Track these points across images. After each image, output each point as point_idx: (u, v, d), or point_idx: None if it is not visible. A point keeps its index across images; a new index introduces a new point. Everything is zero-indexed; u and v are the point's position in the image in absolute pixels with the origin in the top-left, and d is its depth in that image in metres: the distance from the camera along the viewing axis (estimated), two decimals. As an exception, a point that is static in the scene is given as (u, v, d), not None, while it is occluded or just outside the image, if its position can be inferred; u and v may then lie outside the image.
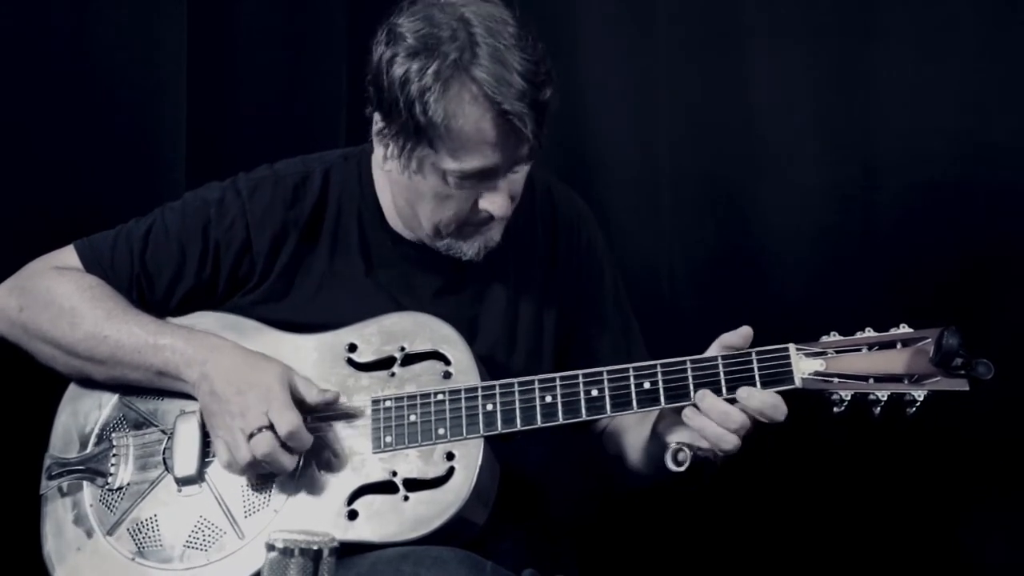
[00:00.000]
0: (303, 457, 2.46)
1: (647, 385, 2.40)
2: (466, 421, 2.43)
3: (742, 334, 2.40)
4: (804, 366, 2.35)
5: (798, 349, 2.37)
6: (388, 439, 2.46)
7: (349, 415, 2.49)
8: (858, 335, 2.38)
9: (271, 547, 1.98)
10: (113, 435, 2.57)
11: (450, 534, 2.38)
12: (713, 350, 2.42)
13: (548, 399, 2.43)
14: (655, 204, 3.58)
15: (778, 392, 2.34)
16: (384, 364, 2.52)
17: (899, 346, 2.35)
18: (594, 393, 2.41)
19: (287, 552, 1.97)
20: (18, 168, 3.14)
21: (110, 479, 2.54)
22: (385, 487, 2.42)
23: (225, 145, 3.51)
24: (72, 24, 3.24)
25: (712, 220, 3.56)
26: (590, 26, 3.60)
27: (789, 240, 3.49)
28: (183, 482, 2.50)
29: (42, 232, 2.80)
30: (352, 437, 2.47)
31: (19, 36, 3.14)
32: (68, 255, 2.65)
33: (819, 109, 3.46)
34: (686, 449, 2.36)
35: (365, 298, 2.60)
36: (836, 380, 2.34)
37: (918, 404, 2.32)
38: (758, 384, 2.35)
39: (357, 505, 2.42)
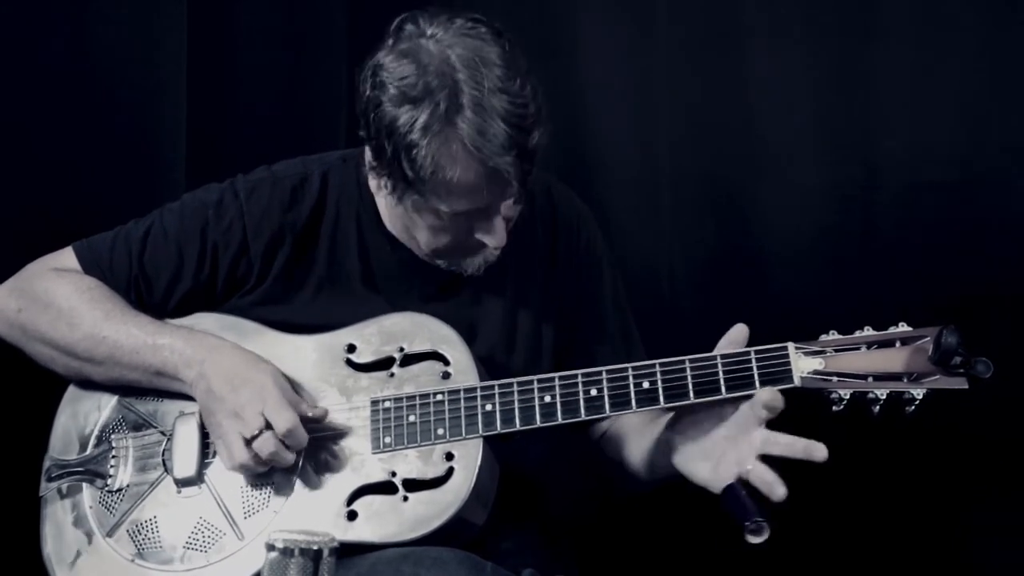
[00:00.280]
0: (302, 458, 2.46)
1: (646, 385, 2.40)
2: (465, 421, 2.43)
3: (736, 338, 2.41)
4: (803, 365, 2.35)
5: (797, 348, 2.36)
6: (387, 439, 2.46)
7: (348, 416, 2.49)
8: (857, 334, 2.38)
9: (271, 547, 1.98)
10: (112, 437, 2.57)
11: (450, 534, 2.37)
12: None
13: (547, 399, 2.43)
14: (655, 204, 3.58)
15: (777, 391, 2.35)
16: (383, 364, 2.52)
17: (898, 345, 2.34)
18: (593, 393, 2.41)
19: (287, 552, 1.97)
20: (18, 168, 3.14)
21: (109, 481, 2.54)
22: (384, 487, 2.42)
23: (225, 145, 3.51)
24: (72, 24, 3.23)
25: (712, 220, 3.56)
26: (590, 26, 3.60)
27: (789, 240, 3.49)
28: (182, 483, 2.50)
29: (42, 232, 2.81)
30: (351, 438, 2.47)
31: (19, 36, 3.14)
32: (67, 257, 2.65)
33: (819, 109, 3.46)
34: (765, 525, 2.36)
35: (363, 301, 2.60)
36: (835, 379, 2.34)
37: (917, 403, 2.32)
38: (757, 383, 2.36)
39: (356, 506, 2.42)
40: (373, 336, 2.54)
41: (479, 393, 2.44)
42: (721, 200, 3.56)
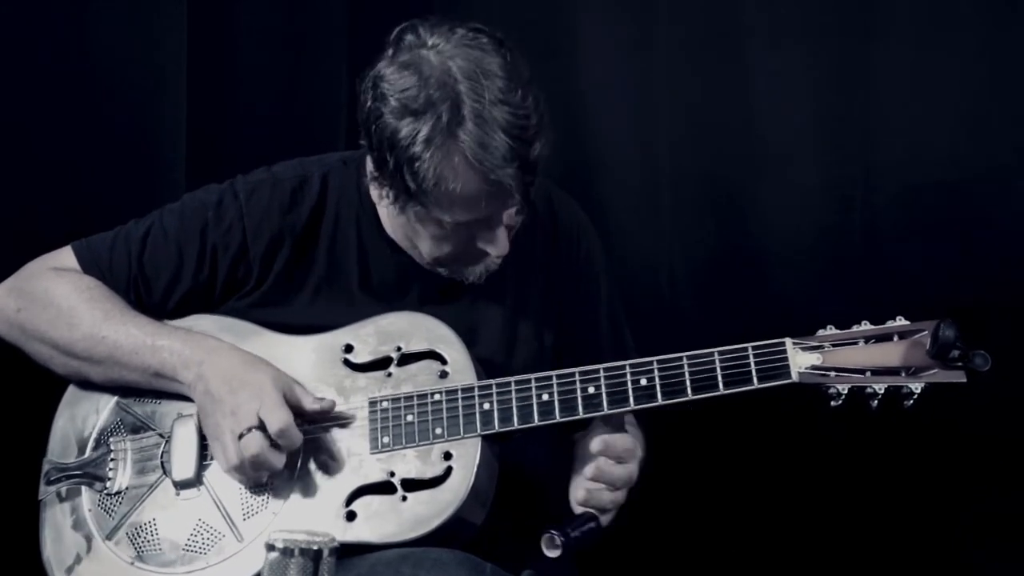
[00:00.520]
0: (301, 458, 2.46)
1: (644, 382, 2.40)
2: (463, 420, 2.43)
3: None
4: (801, 360, 2.35)
5: (794, 343, 2.36)
6: (386, 439, 2.46)
7: (346, 416, 2.49)
8: (854, 328, 2.38)
9: (271, 547, 1.99)
10: (111, 439, 2.57)
11: (449, 534, 2.38)
12: None
13: (545, 397, 2.43)
14: (655, 204, 3.58)
15: (775, 386, 2.35)
16: (381, 364, 2.51)
17: (896, 339, 2.35)
18: (591, 391, 2.41)
19: (287, 552, 1.98)
20: (18, 168, 3.14)
21: (108, 483, 2.54)
22: (383, 487, 2.42)
23: (225, 145, 3.51)
24: (72, 24, 3.24)
25: (712, 220, 3.56)
26: (590, 26, 3.60)
27: (789, 240, 3.49)
28: (181, 486, 2.49)
29: (42, 232, 2.81)
30: (350, 438, 2.47)
31: (19, 36, 3.15)
32: (66, 256, 2.64)
33: (819, 109, 3.47)
34: (555, 533, 2.36)
35: (361, 305, 2.59)
36: (833, 374, 2.34)
37: (915, 397, 2.32)
38: (755, 379, 2.36)
39: (355, 506, 2.42)
40: (370, 336, 2.53)
41: (477, 392, 2.44)
42: (721, 200, 3.56)
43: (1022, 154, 3.31)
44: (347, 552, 2.30)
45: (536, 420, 2.42)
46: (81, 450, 2.58)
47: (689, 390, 2.38)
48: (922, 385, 2.31)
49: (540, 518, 2.69)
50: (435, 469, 2.41)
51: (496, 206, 2.43)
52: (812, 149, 3.49)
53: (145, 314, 2.58)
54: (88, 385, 2.61)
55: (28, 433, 2.66)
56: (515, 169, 2.34)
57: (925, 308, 2.39)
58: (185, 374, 2.49)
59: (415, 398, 2.46)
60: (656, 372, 2.39)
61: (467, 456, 2.41)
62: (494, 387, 2.44)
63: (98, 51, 3.27)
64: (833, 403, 2.35)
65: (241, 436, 2.40)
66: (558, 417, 2.42)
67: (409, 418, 2.45)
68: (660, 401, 2.40)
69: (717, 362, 2.37)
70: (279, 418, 2.40)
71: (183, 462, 2.50)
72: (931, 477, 3.33)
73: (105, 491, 2.53)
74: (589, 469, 2.43)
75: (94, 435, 2.59)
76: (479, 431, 2.42)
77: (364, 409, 2.48)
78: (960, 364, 2.29)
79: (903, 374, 2.32)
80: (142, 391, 2.57)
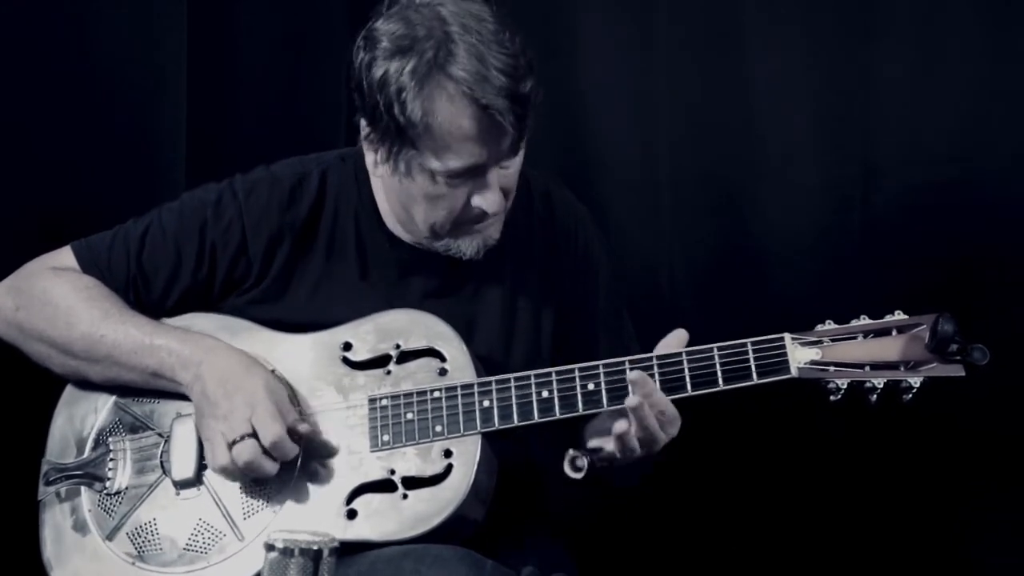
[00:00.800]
0: (301, 457, 2.45)
1: (644, 379, 2.40)
2: (463, 418, 2.43)
3: (671, 344, 2.43)
4: (800, 355, 2.36)
5: (793, 338, 2.37)
6: (386, 437, 2.46)
7: (345, 414, 2.49)
8: (853, 323, 2.39)
9: (271, 547, 1.99)
10: (110, 439, 2.57)
11: (449, 531, 2.37)
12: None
13: (545, 394, 2.43)
14: (655, 204, 3.58)
15: (774, 381, 2.36)
16: (380, 362, 2.51)
17: (894, 333, 2.36)
18: (590, 387, 2.41)
19: (287, 552, 1.98)
20: (18, 168, 3.14)
21: (108, 483, 2.53)
22: (384, 486, 2.42)
23: (225, 145, 3.51)
24: (72, 24, 3.24)
25: (712, 220, 3.56)
26: (590, 26, 3.60)
27: (789, 240, 3.49)
28: (181, 485, 2.49)
29: (42, 232, 2.81)
30: (349, 436, 2.47)
31: (19, 36, 3.15)
32: (65, 256, 2.64)
33: (819, 109, 3.47)
34: (583, 456, 2.37)
35: (361, 300, 2.58)
36: (832, 369, 2.35)
37: (914, 391, 2.32)
38: (754, 374, 2.36)
39: (356, 504, 2.41)
40: (369, 334, 2.53)
41: (476, 389, 2.44)
42: (721, 200, 3.56)
43: (1022, 154, 3.31)
44: (348, 550, 2.30)
45: (536, 417, 2.42)
46: (80, 450, 2.58)
47: (688, 386, 2.38)
48: (921, 379, 2.32)
49: (540, 516, 2.70)
50: (435, 467, 2.41)
51: (489, 148, 2.40)
52: (812, 149, 3.49)
53: (144, 313, 2.58)
54: (86, 385, 2.61)
55: (27, 433, 2.66)
56: (506, 100, 2.34)
57: (925, 308, 2.39)
58: (183, 374, 2.49)
59: (415, 396, 2.46)
60: (656, 369, 2.39)
61: (467, 453, 2.41)
62: (494, 384, 2.44)
63: (98, 51, 3.27)
64: (832, 398, 2.35)
65: (234, 443, 2.40)
66: (558, 414, 2.42)
67: (409, 416, 2.45)
68: (660, 398, 2.40)
69: (716, 358, 2.38)
70: (273, 431, 2.40)
71: (183, 461, 2.50)
72: (930, 472, 3.33)
73: (105, 491, 2.53)
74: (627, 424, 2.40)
75: (93, 435, 2.59)
76: (479, 428, 2.42)
77: (364, 407, 2.48)
78: (959, 358, 2.30)
79: (902, 368, 2.33)
80: (140, 391, 2.57)
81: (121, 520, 2.50)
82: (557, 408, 2.42)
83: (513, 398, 2.43)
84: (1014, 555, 3.27)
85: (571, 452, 2.38)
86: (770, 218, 3.52)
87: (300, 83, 3.62)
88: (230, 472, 2.43)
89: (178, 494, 2.50)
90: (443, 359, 2.48)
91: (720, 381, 2.37)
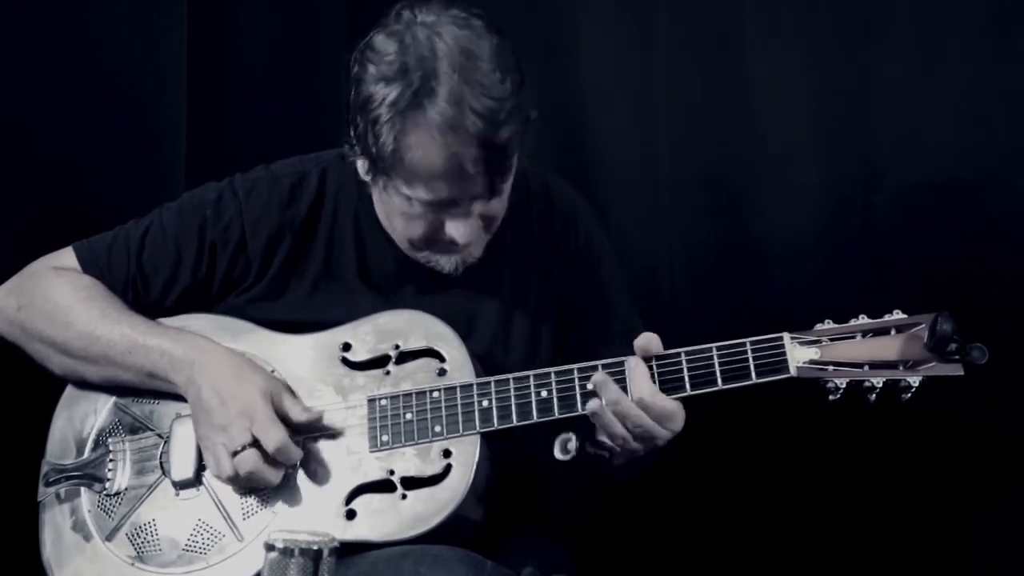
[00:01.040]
0: (300, 458, 2.46)
1: (642, 378, 2.40)
2: (462, 418, 2.44)
3: (644, 346, 2.42)
4: (799, 355, 2.36)
5: (792, 338, 2.37)
6: (385, 438, 2.46)
7: (345, 415, 2.49)
8: (852, 322, 2.39)
9: (271, 547, 1.99)
10: (109, 440, 2.57)
11: (448, 532, 2.38)
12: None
13: (543, 394, 2.43)
14: (655, 204, 3.58)
15: (773, 381, 2.36)
16: (379, 362, 2.52)
17: (893, 332, 2.36)
18: (589, 387, 2.41)
19: (287, 552, 1.98)
20: (18, 168, 3.14)
21: (107, 484, 2.54)
22: (383, 486, 2.42)
23: (225, 145, 3.51)
24: (72, 24, 3.24)
25: (712, 220, 3.55)
26: (590, 26, 3.60)
27: (789, 240, 3.49)
28: (181, 486, 2.50)
29: (42, 232, 2.80)
30: (349, 436, 2.47)
31: (19, 36, 3.15)
32: (67, 256, 2.65)
33: (819, 109, 3.46)
34: (573, 438, 2.38)
35: (360, 298, 2.59)
36: (831, 368, 2.35)
37: (913, 390, 2.33)
38: (753, 374, 2.36)
39: (355, 504, 2.42)
40: (368, 334, 2.53)
41: (475, 390, 2.45)
42: (721, 200, 3.55)
43: (1022, 154, 3.31)
44: (347, 550, 2.30)
45: (535, 417, 2.42)
46: (80, 451, 2.59)
47: (688, 386, 2.38)
48: (920, 378, 2.32)
49: (540, 517, 2.70)
50: (435, 467, 2.42)
51: (457, 189, 2.39)
52: (812, 149, 3.49)
53: (144, 313, 2.58)
54: (86, 385, 2.62)
55: (27, 434, 2.66)
56: (477, 149, 2.33)
57: (924, 307, 2.39)
58: (176, 376, 2.50)
59: (414, 396, 2.47)
60: (655, 368, 2.39)
61: (466, 454, 2.41)
62: (493, 384, 2.45)
63: (98, 51, 3.27)
64: (831, 397, 2.36)
65: (236, 453, 2.40)
66: (557, 414, 2.42)
67: (408, 416, 2.45)
68: (660, 397, 2.40)
69: (715, 357, 2.38)
70: (276, 437, 2.40)
71: (182, 462, 2.50)
72: (929, 471, 3.33)
73: (104, 492, 2.53)
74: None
75: (92, 436, 2.59)
76: (478, 429, 2.43)
77: (363, 407, 2.48)
78: (957, 357, 2.30)
79: (901, 367, 2.33)
80: (139, 391, 2.58)
81: (121, 521, 2.50)
82: (556, 408, 2.42)
83: (512, 398, 2.43)
84: (1014, 555, 3.27)
85: (562, 435, 2.38)
86: (770, 218, 3.52)
87: (300, 83, 3.61)
88: (234, 482, 2.44)
89: (177, 495, 2.50)
90: (442, 359, 2.49)
91: (719, 381, 2.37)
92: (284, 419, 2.44)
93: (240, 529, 2.45)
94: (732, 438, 3.33)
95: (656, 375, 2.39)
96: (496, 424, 2.43)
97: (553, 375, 2.43)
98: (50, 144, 3.20)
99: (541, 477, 2.71)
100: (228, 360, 2.50)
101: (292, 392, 2.50)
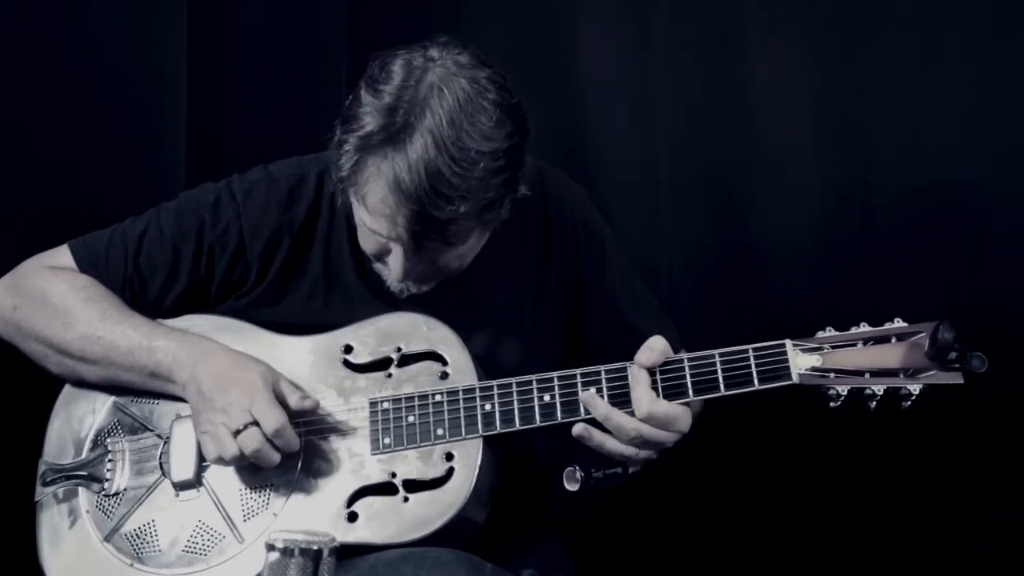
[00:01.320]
0: (301, 459, 2.46)
1: (646, 383, 2.40)
2: (465, 422, 2.43)
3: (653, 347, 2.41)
4: (801, 362, 2.36)
5: (794, 345, 2.37)
6: (387, 440, 2.46)
7: (346, 417, 2.49)
8: (853, 330, 2.39)
9: (271, 547, 1.99)
10: (108, 440, 2.57)
11: (450, 535, 2.38)
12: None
13: (547, 399, 2.43)
14: (655, 204, 3.58)
15: (775, 387, 2.36)
16: (381, 365, 2.52)
17: (894, 340, 2.36)
18: (593, 392, 2.41)
19: (287, 552, 1.98)
20: (18, 168, 3.14)
21: (106, 485, 2.53)
22: (384, 488, 2.42)
23: (225, 145, 3.51)
24: (72, 24, 3.24)
25: (712, 220, 3.55)
26: (590, 26, 3.60)
27: (789, 240, 3.49)
28: (181, 487, 2.50)
29: (41, 232, 2.80)
30: (350, 439, 2.47)
31: (19, 36, 3.14)
32: (62, 255, 2.64)
33: (818, 109, 3.46)
34: (578, 468, 2.38)
35: (360, 301, 2.58)
36: (832, 375, 2.35)
37: (913, 398, 2.33)
38: (756, 380, 2.36)
39: (357, 507, 2.42)
40: (370, 337, 2.53)
41: (478, 393, 2.45)
42: (721, 200, 3.55)
43: (1022, 154, 3.31)
44: (348, 552, 2.31)
45: (538, 421, 2.42)
46: (78, 451, 2.58)
47: (690, 391, 2.38)
48: (920, 386, 2.33)
49: (540, 518, 2.70)
50: (437, 470, 2.42)
51: (387, 233, 2.39)
52: (812, 149, 3.48)
53: (140, 313, 2.58)
54: (84, 385, 2.61)
55: (24, 434, 2.66)
56: (410, 212, 2.32)
57: (925, 307, 2.39)
58: (179, 375, 2.49)
59: (416, 399, 2.47)
60: (658, 374, 2.39)
61: (469, 457, 2.41)
62: (495, 388, 2.45)
63: (98, 51, 3.27)
64: (832, 404, 2.36)
65: (238, 432, 2.40)
66: (560, 418, 2.42)
67: (410, 419, 2.45)
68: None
69: (718, 364, 2.38)
70: (274, 418, 2.40)
71: (182, 463, 2.50)
72: (928, 475, 3.33)
73: (103, 492, 2.53)
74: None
75: (91, 436, 2.59)
76: (481, 432, 2.43)
77: (365, 410, 2.49)
78: (958, 366, 2.30)
79: (901, 375, 2.34)
80: (138, 391, 2.58)
81: (120, 521, 2.50)
82: (559, 412, 2.42)
83: (515, 402, 2.43)
84: (1014, 555, 3.27)
85: (567, 468, 2.39)
86: (770, 218, 3.52)
87: (300, 83, 3.61)
88: (237, 462, 2.43)
89: (177, 496, 2.50)
90: (444, 362, 2.49)
91: (722, 387, 2.38)
92: (283, 405, 2.44)
93: (240, 530, 2.45)
94: (733, 442, 3.32)
95: (659, 380, 2.39)
96: (499, 428, 2.43)
97: (556, 379, 2.43)
98: (50, 144, 3.19)
99: (542, 478, 2.71)
100: (231, 356, 2.51)
101: (292, 382, 2.50)
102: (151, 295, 2.62)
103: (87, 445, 2.58)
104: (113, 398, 2.60)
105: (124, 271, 2.61)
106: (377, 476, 2.44)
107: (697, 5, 3.54)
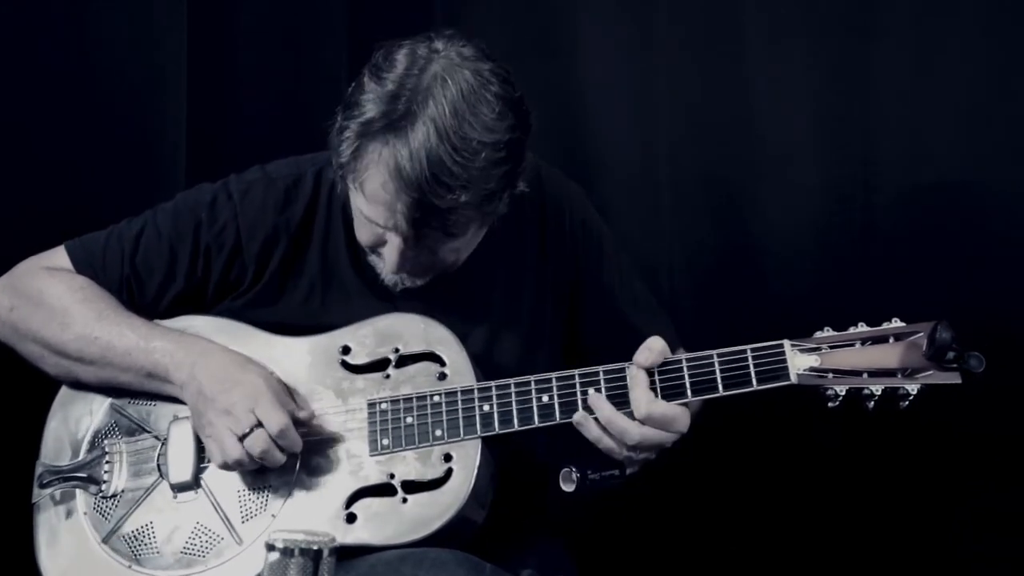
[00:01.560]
0: (300, 461, 2.46)
1: (644, 384, 2.40)
2: (463, 422, 2.43)
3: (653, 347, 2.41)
4: (799, 362, 2.36)
5: (793, 345, 2.37)
6: (385, 441, 2.46)
7: (344, 418, 2.49)
8: (851, 330, 2.39)
9: (271, 547, 1.98)
10: (105, 442, 2.57)
11: (449, 535, 2.38)
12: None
13: (545, 399, 2.43)
14: (655, 204, 3.58)
15: (774, 388, 2.36)
16: (378, 366, 2.51)
17: (892, 340, 2.36)
18: (591, 392, 2.41)
19: (287, 552, 1.97)
20: (18, 168, 3.14)
21: (104, 486, 2.53)
22: (383, 489, 2.42)
23: (225, 145, 3.51)
24: (72, 24, 3.24)
25: (712, 220, 3.55)
26: (590, 26, 3.60)
27: (789, 240, 3.49)
28: (179, 488, 2.49)
29: (41, 232, 2.80)
30: (349, 440, 2.47)
31: (19, 36, 3.15)
32: (59, 256, 2.64)
33: (819, 109, 3.46)
34: (574, 469, 2.38)
35: (356, 301, 2.58)
36: (831, 375, 2.36)
37: (911, 398, 2.34)
38: (754, 380, 2.36)
39: (355, 508, 2.42)
40: (367, 337, 2.53)
41: (476, 394, 2.44)
42: (721, 200, 3.55)
43: (1022, 154, 3.31)
44: (347, 554, 2.30)
45: (536, 422, 2.42)
46: (75, 452, 2.58)
47: (689, 392, 2.38)
48: (918, 386, 2.33)
49: (539, 518, 2.70)
50: (435, 471, 2.41)
51: (385, 223, 2.39)
52: (812, 149, 3.48)
53: (137, 314, 2.57)
54: (81, 386, 2.61)
55: (21, 435, 2.66)
56: (411, 200, 2.31)
57: (924, 307, 2.39)
58: (177, 375, 2.49)
59: (414, 400, 2.46)
60: (656, 375, 2.39)
61: (467, 458, 2.41)
62: (494, 389, 2.45)
63: (98, 51, 3.27)
64: (830, 404, 2.36)
65: (244, 436, 2.40)
66: (558, 419, 2.42)
67: (409, 420, 2.45)
68: (661, 402, 2.40)
69: (716, 364, 2.38)
70: (278, 420, 2.40)
71: (180, 464, 2.50)
72: (926, 475, 3.33)
73: (100, 494, 2.53)
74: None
75: (88, 437, 2.58)
76: (479, 433, 2.43)
77: (363, 411, 2.48)
78: (955, 366, 2.30)
79: (899, 375, 2.34)
80: (135, 393, 2.57)
81: (117, 523, 2.50)
82: (557, 413, 2.42)
83: (513, 403, 2.43)
84: (1013, 555, 3.27)
85: (563, 469, 2.39)
86: (770, 218, 3.52)
87: (300, 83, 3.61)
88: (239, 464, 2.43)
89: (175, 497, 2.50)
90: (442, 363, 2.48)
91: (720, 387, 2.38)
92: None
93: (239, 532, 2.45)
94: (731, 442, 3.32)
95: (657, 381, 2.39)
96: (497, 429, 2.43)
97: (554, 380, 2.43)
98: (50, 144, 3.20)
99: (541, 478, 2.70)
100: (230, 356, 2.51)
101: (290, 394, 2.50)
102: (148, 296, 2.62)
103: (84, 447, 2.58)
104: (110, 399, 2.60)
105: (121, 272, 2.61)
106: (376, 477, 2.43)
107: (697, 5, 3.54)
